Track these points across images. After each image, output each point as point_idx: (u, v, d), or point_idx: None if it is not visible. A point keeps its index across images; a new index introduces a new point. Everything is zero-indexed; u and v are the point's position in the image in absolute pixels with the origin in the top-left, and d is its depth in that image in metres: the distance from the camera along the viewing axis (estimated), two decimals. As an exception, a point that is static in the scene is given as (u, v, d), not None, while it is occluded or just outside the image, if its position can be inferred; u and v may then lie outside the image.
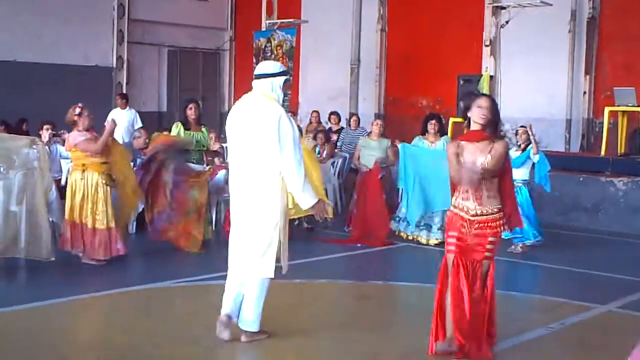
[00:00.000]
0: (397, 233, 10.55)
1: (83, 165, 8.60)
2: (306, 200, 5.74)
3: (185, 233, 9.48)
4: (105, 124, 8.78)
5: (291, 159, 5.62)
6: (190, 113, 9.83)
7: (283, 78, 5.80)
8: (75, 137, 8.61)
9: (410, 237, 10.34)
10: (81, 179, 8.56)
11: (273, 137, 5.61)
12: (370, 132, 11.50)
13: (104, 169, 8.66)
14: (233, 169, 5.90)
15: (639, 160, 12.90)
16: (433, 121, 10.57)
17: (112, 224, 8.65)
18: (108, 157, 8.73)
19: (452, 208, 5.67)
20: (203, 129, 9.89)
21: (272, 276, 5.84)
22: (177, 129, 9.81)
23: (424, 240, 10.21)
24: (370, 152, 10.83)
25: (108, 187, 8.66)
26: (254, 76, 5.90)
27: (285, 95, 5.96)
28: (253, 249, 5.79)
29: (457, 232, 5.57)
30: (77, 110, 8.63)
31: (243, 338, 5.94)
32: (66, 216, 8.62)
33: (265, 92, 5.77)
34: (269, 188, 5.73)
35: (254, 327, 5.94)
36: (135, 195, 9.20)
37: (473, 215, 5.53)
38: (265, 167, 5.71)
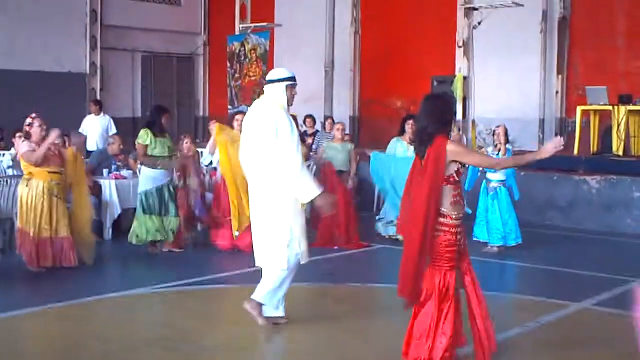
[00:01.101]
0: (387, 236, 10.58)
1: (30, 173, 8.49)
2: (305, 194, 6.19)
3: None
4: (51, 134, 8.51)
5: (285, 158, 6.09)
6: (165, 122, 9.75)
7: (284, 83, 6.30)
8: (22, 146, 8.52)
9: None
10: (26, 186, 8.47)
11: (272, 139, 6.11)
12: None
13: (52, 178, 8.52)
14: (246, 170, 6.42)
15: (611, 158, 13.03)
16: (410, 121, 10.43)
17: (65, 234, 8.57)
18: (62, 166, 8.62)
19: (449, 219, 5.34)
20: (167, 135, 9.82)
21: (285, 267, 6.24)
22: (146, 135, 9.56)
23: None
24: (334, 154, 10.80)
25: (56, 198, 8.54)
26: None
27: (293, 97, 6.44)
28: (266, 243, 6.30)
29: (456, 246, 5.37)
30: (28, 120, 8.52)
31: (246, 304, 6.38)
32: (17, 223, 8.62)
33: (270, 96, 6.33)
34: (275, 187, 6.18)
35: (260, 297, 6.36)
36: (86, 213, 9.11)
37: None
38: (269, 168, 6.18)
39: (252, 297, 6.36)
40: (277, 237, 6.23)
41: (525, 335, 6.49)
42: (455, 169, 5.36)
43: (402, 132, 10.65)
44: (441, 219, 5.32)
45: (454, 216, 5.33)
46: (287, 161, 6.11)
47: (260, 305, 6.36)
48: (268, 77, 6.43)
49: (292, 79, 6.35)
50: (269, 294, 6.35)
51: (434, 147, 5.31)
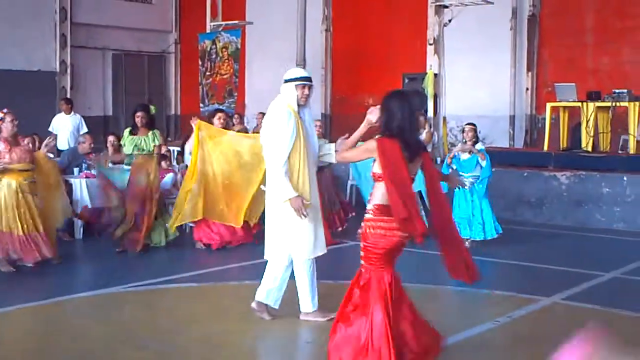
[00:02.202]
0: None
1: (1, 173, 8.39)
2: (280, 194, 6.26)
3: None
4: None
5: (272, 157, 6.29)
6: (137, 120, 9.79)
7: (294, 83, 6.53)
8: None
9: None
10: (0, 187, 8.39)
11: (269, 134, 6.36)
12: None
13: (24, 176, 8.43)
14: (266, 166, 6.58)
15: (580, 154, 13.16)
16: None
17: (40, 229, 8.47)
18: (32, 162, 8.53)
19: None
20: (149, 134, 9.78)
21: (307, 257, 6.50)
22: (125, 133, 9.90)
23: None
24: None
25: (28, 194, 8.44)
26: None
27: (305, 97, 6.61)
28: (284, 236, 6.42)
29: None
30: (0, 115, 8.43)
31: (301, 316, 6.61)
32: None
33: (283, 95, 6.53)
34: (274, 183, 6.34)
35: (308, 307, 6.58)
36: (60, 212, 9.06)
37: None
38: (269, 163, 6.44)
39: (301, 310, 6.63)
40: (293, 231, 6.36)
41: (496, 330, 6.54)
42: None
43: None
44: None
45: None
46: (272, 157, 6.30)
47: (311, 312, 6.59)
48: (284, 77, 6.63)
49: (303, 79, 6.58)
50: (306, 292, 6.60)
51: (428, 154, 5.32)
